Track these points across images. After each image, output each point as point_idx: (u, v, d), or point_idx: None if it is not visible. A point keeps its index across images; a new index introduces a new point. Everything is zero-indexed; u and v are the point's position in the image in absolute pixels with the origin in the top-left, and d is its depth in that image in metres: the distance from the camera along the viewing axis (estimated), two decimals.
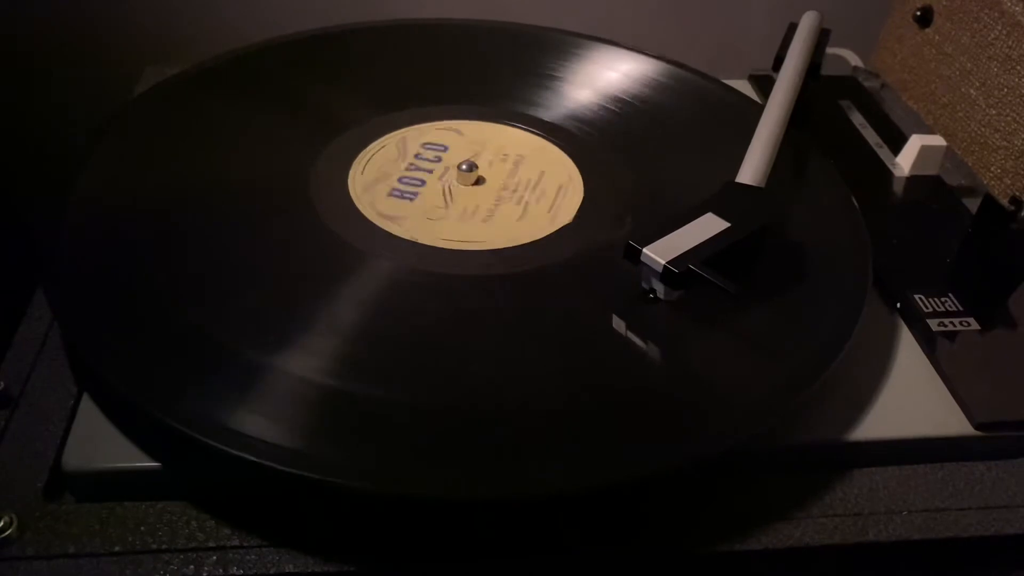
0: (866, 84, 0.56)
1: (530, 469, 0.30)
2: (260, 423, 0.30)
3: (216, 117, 0.45)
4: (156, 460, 0.31)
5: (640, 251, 0.35)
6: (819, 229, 0.40)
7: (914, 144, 0.46)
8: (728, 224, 0.36)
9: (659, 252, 0.35)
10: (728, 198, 0.37)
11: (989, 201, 0.39)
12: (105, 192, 0.39)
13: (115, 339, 0.33)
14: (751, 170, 0.39)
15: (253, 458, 0.28)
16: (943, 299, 0.39)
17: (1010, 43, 0.51)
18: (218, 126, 0.44)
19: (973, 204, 0.46)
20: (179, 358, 0.32)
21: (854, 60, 0.57)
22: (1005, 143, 0.51)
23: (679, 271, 0.34)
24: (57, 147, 0.55)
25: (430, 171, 0.42)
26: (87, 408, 0.33)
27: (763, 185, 0.39)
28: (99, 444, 0.32)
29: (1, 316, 0.40)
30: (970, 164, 0.54)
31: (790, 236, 0.40)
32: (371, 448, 0.30)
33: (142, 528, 0.30)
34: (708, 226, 0.36)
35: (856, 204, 0.41)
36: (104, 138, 0.42)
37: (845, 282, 0.37)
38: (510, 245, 0.39)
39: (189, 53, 0.55)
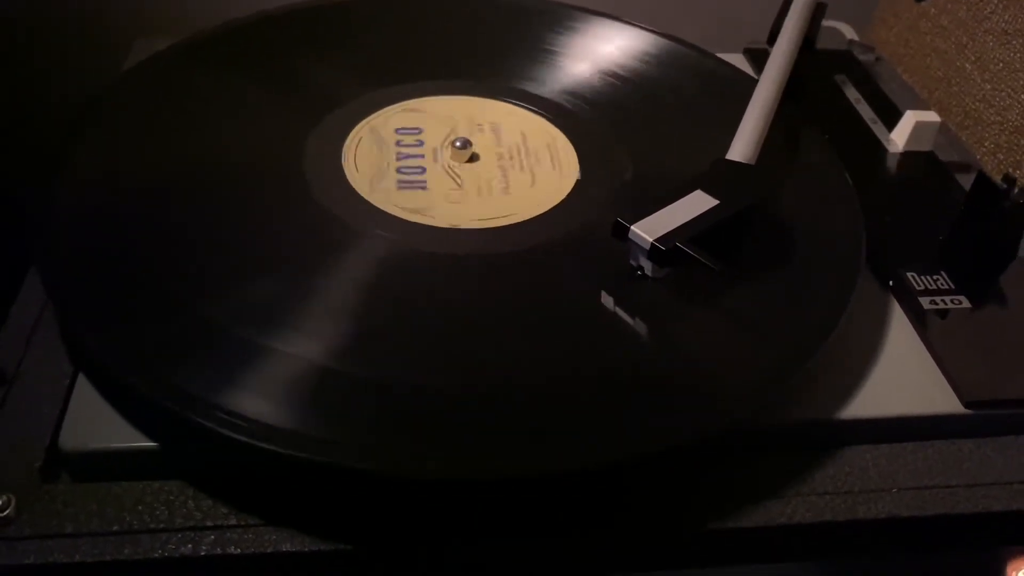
0: (861, 58, 0.55)
1: (522, 450, 0.30)
2: (254, 402, 0.30)
3: (205, 93, 0.44)
4: (152, 440, 0.31)
5: (628, 228, 0.35)
6: (812, 206, 0.40)
7: (908, 120, 0.46)
8: (717, 201, 0.36)
9: (647, 230, 0.35)
10: (718, 175, 0.37)
11: (982, 179, 0.39)
12: (96, 170, 0.39)
13: (108, 318, 0.33)
14: (741, 147, 0.39)
15: (245, 439, 0.29)
16: (935, 277, 0.39)
17: (1006, 17, 0.51)
18: (209, 102, 0.44)
19: (966, 180, 0.46)
20: (173, 337, 0.32)
21: (850, 34, 0.57)
22: (999, 118, 0.51)
23: (666, 248, 0.34)
24: (45, 120, 0.54)
25: (421, 155, 0.42)
26: (83, 387, 0.33)
27: (753, 162, 0.39)
28: (96, 424, 0.32)
29: None
30: (964, 139, 0.54)
31: (783, 213, 0.40)
32: (367, 427, 0.30)
33: (139, 507, 0.31)
34: (697, 203, 0.36)
35: (850, 181, 0.41)
36: (93, 114, 0.42)
37: (838, 261, 0.37)
38: (545, 210, 0.39)
39: (178, 24, 0.54)
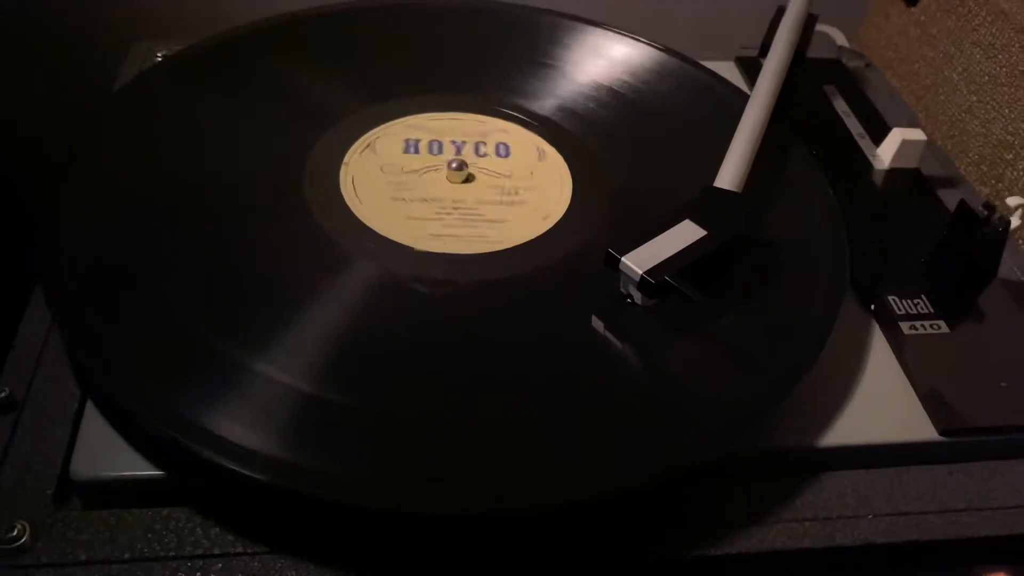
0: (851, 65, 0.56)
1: (497, 484, 0.31)
2: (252, 432, 0.31)
3: (199, 111, 0.45)
4: (158, 467, 0.33)
5: (619, 259, 0.36)
6: (798, 230, 0.41)
7: (895, 137, 0.47)
8: (705, 232, 0.37)
9: (637, 261, 0.36)
10: (706, 204, 0.38)
11: (963, 206, 0.40)
12: (95, 192, 0.40)
13: (113, 349, 0.34)
14: (729, 174, 0.40)
15: (240, 469, 0.30)
16: (916, 300, 0.40)
17: (994, 31, 0.52)
18: (203, 120, 0.44)
19: (950, 196, 0.47)
20: (177, 369, 0.33)
21: (840, 39, 0.58)
22: (983, 130, 0.52)
23: (655, 282, 0.35)
24: (44, 124, 0.55)
25: (419, 174, 0.42)
26: (92, 414, 0.34)
27: (740, 189, 0.40)
28: (106, 451, 0.33)
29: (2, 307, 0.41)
30: (949, 147, 0.55)
31: (770, 236, 0.41)
32: (368, 461, 0.31)
33: (149, 535, 0.32)
34: (685, 234, 0.37)
35: (836, 204, 0.42)
36: (93, 133, 0.42)
37: (821, 292, 0.39)
38: (539, 234, 0.40)
39: (175, 26, 0.55)
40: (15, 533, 0.31)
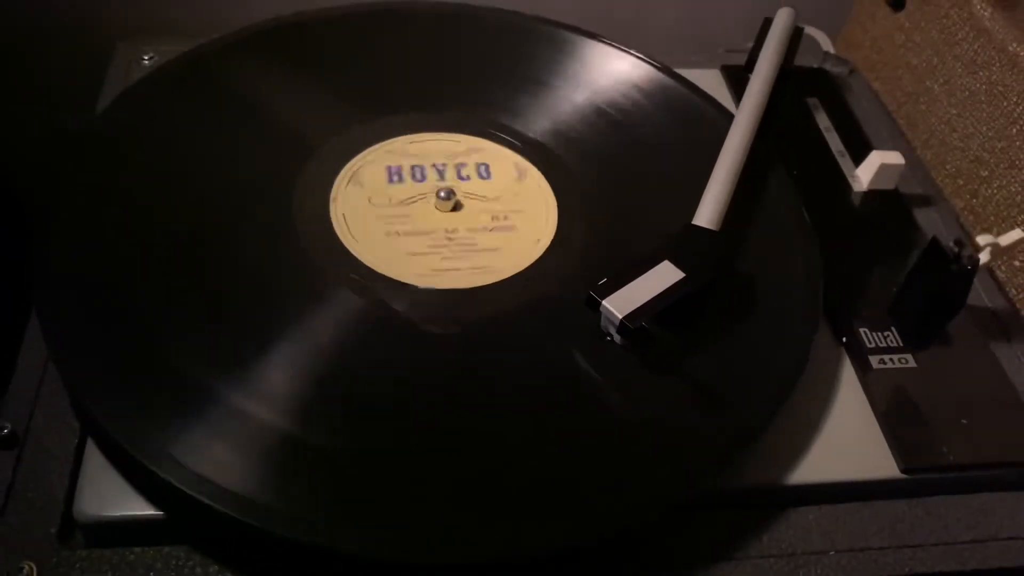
0: (835, 71, 0.57)
1: (475, 535, 0.33)
2: (240, 474, 0.33)
3: (185, 130, 0.45)
4: (157, 508, 0.34)
5: (600, 303, 0.37)
6: (776, 262, 0.43)
7: (873, 160, 0.48)
8: (683, 275, 0.38)
9: (617, 305, 0.37)
10: (684, 243, 0.39)
11: (935, 243, 0.41)
12: (88, 220, 0.40)
13: (110, 391, 0.35)
14: (708, 212, 0.41)
15: (239, 516, 0.31)
16: (886, 333, 0.42)
17: (976, 47, 0.52)
18: (187, 141, 0.44)
19: (926, 216, 0.48)
20: (175, 413, 0.34)
21: (825, 44, 0.58)
22: (962, 144, 0.53)
23: (633, 327, 0.36)
24: (32, 127, 0.55)
25: (408, 203, 0.43)
26: (92, 451, 0.36)
27: (718, 227, 0.41)
28: (108, 492, 0.34)
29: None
30: (927, 158, 0.56)
31: (746, 267, 0.42)
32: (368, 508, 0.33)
33: (151, 574, 0.34)
34: (664, 276, 0.38)
35: (816, 240, 0.43)
36: (77, 157, 0.42)
37: (797, 324, 0.40)
38: (524, 267, 0.41)
39: (161, 27, 0.54)
40: (23, 574, 0.33)
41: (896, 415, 0.39)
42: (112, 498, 0.34)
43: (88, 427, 0.36)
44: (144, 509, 0.34)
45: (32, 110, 0.56)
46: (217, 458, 0.33)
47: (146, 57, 0.52)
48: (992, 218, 0.51)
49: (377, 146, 0.45)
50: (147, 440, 0.33)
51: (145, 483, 0.34)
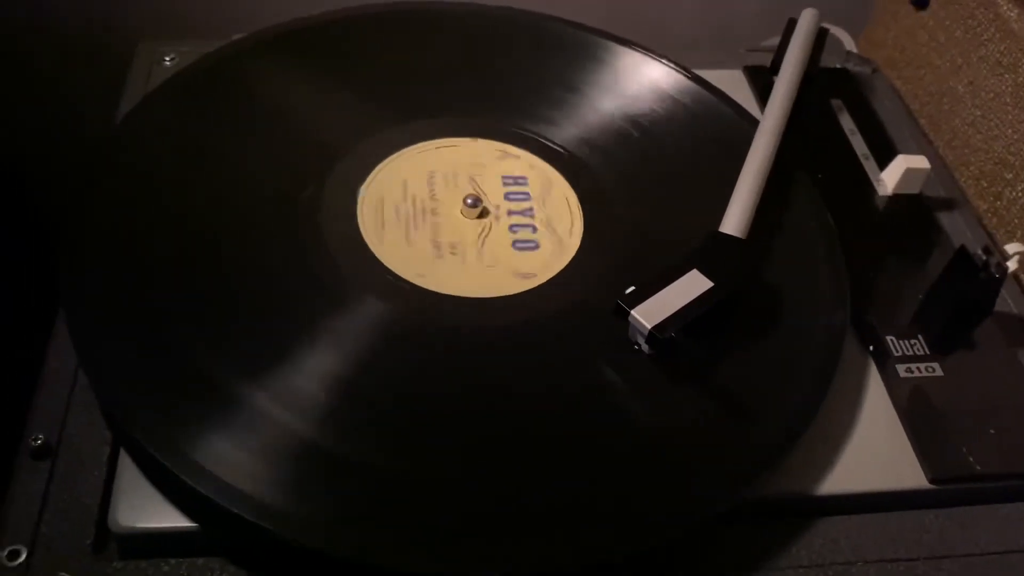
0: (858, 70, 0.56)
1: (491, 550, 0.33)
2: (279, 487, 0.33)
3: (205, 138, 0.44)
4: (191, 519, 0.34)
5: (629, 312, 0.37)
6: (801, 270, 0.43)
7: (899, 165, 0.48)
8: (711, 284, 0.38)
9: (645, 315, 0.37)
10: (712, 252, 0.39)
11: (962, 251, 0.41)
12: (115, 227, 0.40)
13: (140, 401, 0.35)
14: (735, 220, 0.41)
15: (269, 526, 0.32)
16: (913, 341, 0.42)
17: (1002, 48, 0.52)
18: (207, 149, 0.44)
19: (951, 220, 0.48)
20: (211, 425, 0.35)
21: (848, 43, 0.58)
22: (986, 146, 0.53)
23: (662, 337, 0.37)
24: (55, 130, 0.54)
25: (431, 214, 0.43)
26: (125, 461, 0.36)
27: (745, 235, 0.41)
28: (142, 503, 0.34)
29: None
30: (950, 159, 0.56)
31: (773, 277, 0.42)
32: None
33: None
34: (693, 285, 0.38)
35: (841, 251, 0.43)
36: (103, 163, 0.42)
37: (823, 333, 0.40)
38: (550, 276, 0.41)
39: (182, 26, 0.54)
40: None
41: (923, 425, 0.39)
42: (147, 509, 0.34)
43: (121, 438, 0.37)
44: (179, 521, 0.34)
45: (52, 112, 0.56)
46: (253, 471, 0.33)
47: (167, 58, 0.52)
48: (1016, 221, 0.51)
49: (404, 151, 0.45)
50: (183, 454, 0.33)
51: (181, 496, 0.35)
